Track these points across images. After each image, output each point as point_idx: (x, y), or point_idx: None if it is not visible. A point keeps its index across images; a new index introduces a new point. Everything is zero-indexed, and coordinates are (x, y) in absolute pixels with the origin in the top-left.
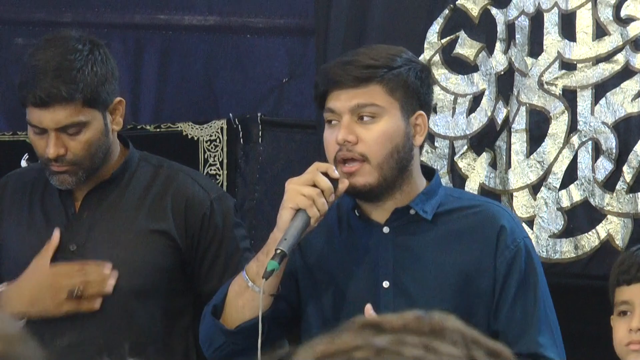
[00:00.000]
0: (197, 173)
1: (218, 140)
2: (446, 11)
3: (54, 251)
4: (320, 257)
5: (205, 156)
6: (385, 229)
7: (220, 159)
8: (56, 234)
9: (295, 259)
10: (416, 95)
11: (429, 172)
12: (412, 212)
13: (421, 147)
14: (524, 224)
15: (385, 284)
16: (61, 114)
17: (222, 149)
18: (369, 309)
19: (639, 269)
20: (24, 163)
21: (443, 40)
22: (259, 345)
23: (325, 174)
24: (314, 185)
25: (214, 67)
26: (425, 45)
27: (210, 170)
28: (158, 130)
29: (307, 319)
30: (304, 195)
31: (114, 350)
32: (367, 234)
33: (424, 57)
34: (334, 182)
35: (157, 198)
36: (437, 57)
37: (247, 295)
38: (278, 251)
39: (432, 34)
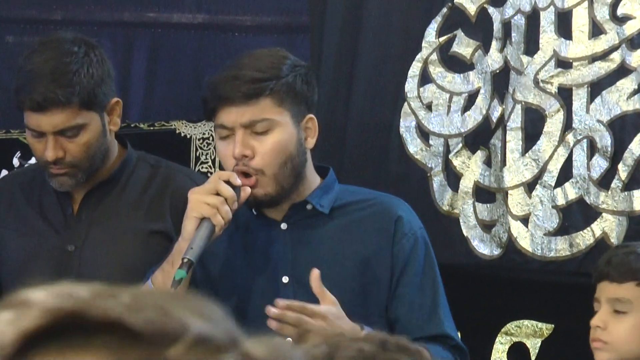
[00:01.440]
0: (195, 173)
1: (211, 139)
2: (445, 9)
3: (53, 252)
4: (218, 260)
5: (197, 154)
6: (283, 225)
7: (213, 157)
8: None
9: (194, 272)
10: (304, 100)
11: (323, 170)
12: (309, 207)
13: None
14: (519, 222)
15: (285, 279)
16: (58, 118)
17: (214, 147)
18: (269, 310)
19: (606, 264)
20: (15, 161)
21: (441, 39)
22: None
23: (228, 182)
24: (217, 194)
25: (202, 64)
26: (424, 44)
27: (202, 168)
28: (151, 128)
29: None
30: (207, 204)
31: None
32: (265, 231)
33: (422, 55)
34: (236, 189)
35: (155, 198)
36: (434, 56)
37: None
38: (185, 260)
39: (431, 33)
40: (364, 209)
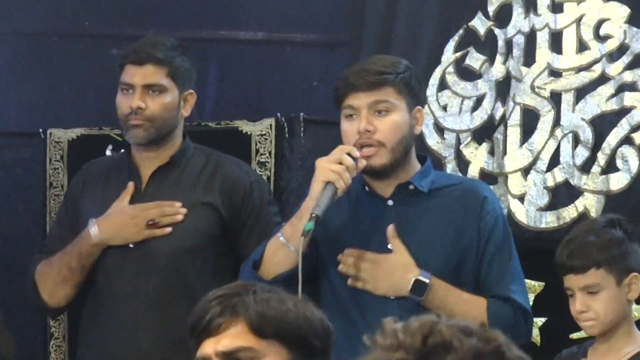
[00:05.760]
0: (240, 161)
1: (267, 135)
2: (461, 31)
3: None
4: (336, 226)
5: (257, 147)
6: (390, 202)
7: (269, 150)
8: (130, 184)
9: (315, 229)
10: (416, 94)
11: (422, 158)
12: (411, 187)
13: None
14: (516, 200)
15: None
16: (150, 72)
17: (271, 142)
18: (339, 256)
19: (566, 260)
20: (108, 152)
21: (457, 54)
22: (300, 289)
23: (349, 154)
24: (340, 163)
25: (262, 73)
26: (443, 58)
27: (261, 158)
28: (219, 126)
29: (326, 271)
30: (332, 170)
31: (166, 302)
32: (375, 206)
33: (441, 67)
34: (355, 161)
35: (208, 179)
36: (451, 68)
37: (282, 253)
38: (313, 215)
39: (449, 49)
40: (456, 190)
